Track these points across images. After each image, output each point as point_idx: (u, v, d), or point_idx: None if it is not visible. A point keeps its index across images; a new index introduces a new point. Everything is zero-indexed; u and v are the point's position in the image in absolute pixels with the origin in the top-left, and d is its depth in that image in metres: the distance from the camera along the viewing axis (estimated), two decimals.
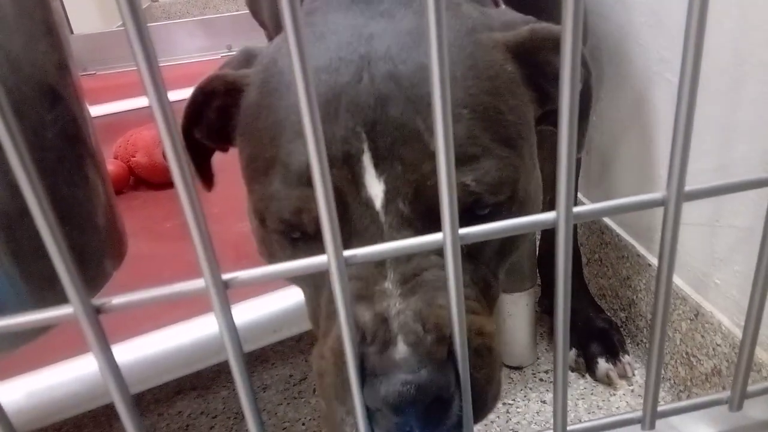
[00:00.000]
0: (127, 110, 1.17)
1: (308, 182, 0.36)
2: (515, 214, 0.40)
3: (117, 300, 0.27)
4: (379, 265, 0.37)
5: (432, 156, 0.35)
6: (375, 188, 0.37)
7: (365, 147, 0.36)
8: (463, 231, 0.29)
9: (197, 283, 0.28)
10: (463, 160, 0.37)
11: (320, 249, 0.29)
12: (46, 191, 0.30)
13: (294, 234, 0.39)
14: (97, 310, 0.27)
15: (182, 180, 0.25)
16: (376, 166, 0.37)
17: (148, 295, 0.28)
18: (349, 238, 0.38)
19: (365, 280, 0.36)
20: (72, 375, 0.49)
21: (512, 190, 0.39)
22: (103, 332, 0.27)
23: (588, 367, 0.71)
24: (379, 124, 0.36)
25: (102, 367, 0.28)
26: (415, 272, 0.37)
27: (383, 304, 0.35)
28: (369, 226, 0.37)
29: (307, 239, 0.39)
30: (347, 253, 0.29)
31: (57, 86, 0.32)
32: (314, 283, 0.41)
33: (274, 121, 0.39)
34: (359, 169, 0.36)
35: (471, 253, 0.41)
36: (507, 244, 0.43)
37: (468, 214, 0.39)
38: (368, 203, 0.37)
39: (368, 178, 0.37)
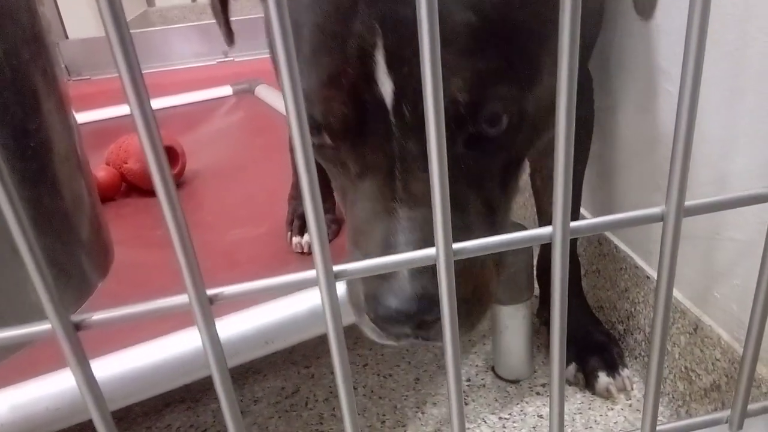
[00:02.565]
0: (120, 116, 1.16)
1: (329, 82, 0.36)
2: (523, 134, 0.39)
3: (97, 316, 0.26)
4: (390, 180, 0.38)
5: None
6: (386, 86, 0.37)
7: (379, 42, 0.36)
8: (457, 246, 0.28)
9: (181, 299, 0.27)
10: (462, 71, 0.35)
11: (343, 155, 0.36)
12: (27, 202, 0.29)
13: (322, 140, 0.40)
14: (76, 327, 0.26)
15: (166, 194, 0.24)
16: (388, 63, 0.36)
17: (130, 311, 0.27)
18: (364, 136, 0.38)
19: (376, 199, 0.39)
20: (57, 388, 0.48)
21: (518, 109, 0.38)
22: (82, 349, 0.26)
23: (587, 382, 0.70)
24: (394, 21, 0.36)
25: (80, 384, 0.27)
26: (426, 197, 0.36)
27: (391, 227, 0.38)
28: (381, 126, 0.38)
29: (333, 148, 0.40)
30: (337, 268, 0.28)
31: (41, 94, 0.32)
32: (341, 188, 0.43)
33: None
34: (372, 65, 0.36)
35: (474, 179, 0.40)
36: (514, 159, 0.41)
37: (469, 137, 0.38)
38: (381, 101, 0.37)
39: (380, 74, 0.36)
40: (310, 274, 0.28)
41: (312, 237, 0.26)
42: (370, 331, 0.41)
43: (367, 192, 0.39)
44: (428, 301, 0.37)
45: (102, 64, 1.48)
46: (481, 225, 0.41)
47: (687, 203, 0.29)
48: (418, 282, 0.37)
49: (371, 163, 0.39)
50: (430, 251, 0.28)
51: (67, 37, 1.59)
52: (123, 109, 1.18)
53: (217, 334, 0.27)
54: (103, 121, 1.17)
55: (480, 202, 0.40)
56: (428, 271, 0.37)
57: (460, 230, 0.38)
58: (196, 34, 1.55)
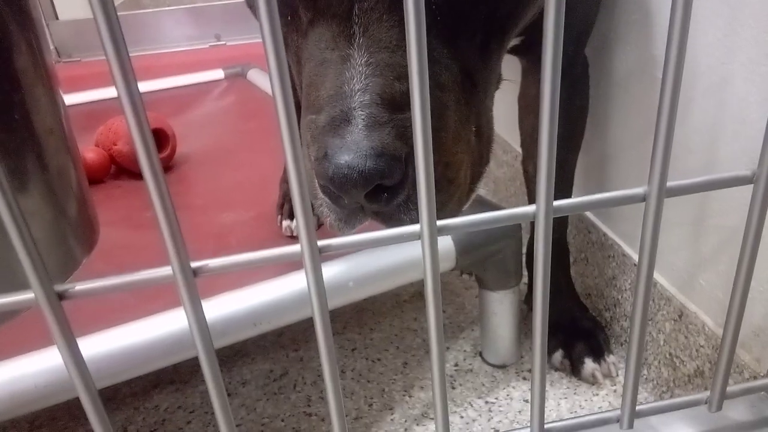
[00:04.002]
0: (110, 98, 1.15)
1: None
2: None
3: (81, 286, 0.27)
4: (347, 25, 0.33)
5: None
6: None
7: None
8: (441, 223, 0.28)
9: (165, 270, 0.27)
10: None
11: None
12: (11, 174, 0.29)
13: None
14: (60, 296, 0.26)
15: (149, 167, 0.24)
16: None
17: (114, 281, 0.27)
18: None
19: (329, 47, 0.33)
20: (43, 366, 0.48)
21: None
22: (66, 318, 0.26)
23: (573, 367, 0.71)
24: None
25: (63, 353, 0.27)
26: (389, 41, 0.33)
27: (347, 74, 0.33)
28: None
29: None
30: (321, 243, 0.28)
31: (26, 66, 0.31)
32: (293, 49, 0.38)
33: None
34: None
35: (453, 28, 0.34)
36: (501, 16, 0.36)
37: None
38: None
39: None
40: (295, 248, 0.28)
41: (296, 211, 0.26)
42: (326, 213, 0.35)
43: (319, 40, 0.34)
44: (388, 160, 0.32)
45: (92, 46, 1.47)
46: (455, 88, 0.35)
47: (669, 184, 0.30)
48: (376, 135, 0.31)
49: (324, 6, 0.33)
50: (414, 228, 0.28)
51: (57, 18, 1.57)
52: (113, 91, 1.17)
53: (201, 306, 0.27)
54: (94, 103, 1.16)
55: (456, 65, 0.35)
56: (389, 124, 0.32)
57: (433, 88, 0.32)
58: (188, 17, 1.54)
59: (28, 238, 0.24)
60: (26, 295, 0.26)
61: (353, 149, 0.31)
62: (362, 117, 0.32)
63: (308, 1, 0.35)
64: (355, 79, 0.32)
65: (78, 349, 0.27)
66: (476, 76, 0.37)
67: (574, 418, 0.36)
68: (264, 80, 1.25)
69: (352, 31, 0.33)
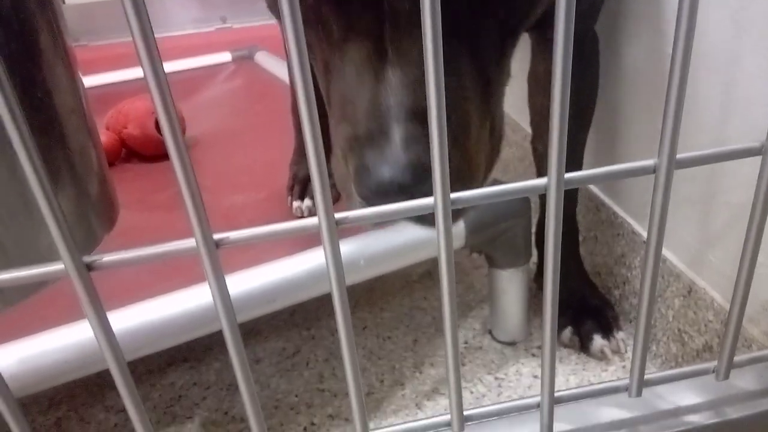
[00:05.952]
0: (118, 82, 1.16)
1: None
2: None
3: (108, 257, 0.28)
4: (379, 43, 0.36)
5: None
6: None
7: None
8: (455, 196, 0.29)
9: (188, 243, 0.28)
10: None
11: (325, 10, 0.34)
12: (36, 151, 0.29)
13: None
14: (88, 267, 0.27)
15: (174, 142, 0.25)
16: None
17: (140, 253, 0.28)
18: None
19: (364, 57, 0.36)
20: (65, 341, 0.49)
21: None
22: (94, 288, 0.27)
23: (582, 345, 0.72)
24: None
25: (93, 323, 0.28)
26: (419, 58, 0.34)
27: (381, 90, 0.36)
28: None
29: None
30: (339, 215, 0.29)
31: (46, 46, 0.32)
32: (323, 62, 0.40)
33: None
34: None
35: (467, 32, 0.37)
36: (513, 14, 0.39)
37: None
38: None
39: None
40: (312, 220, 0.29)
41: (314, 183, 0.27)
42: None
43: (353, 57, 0.37)
44: (422, 170, 0.35)
45: (100, 30, 1.47)
46: (475, 91, 0.38)
47: (679, 156, 0.30)
48: (412, 150, 0.35)
49: (357, 24, 0.36)
50: (428, 200, 0.29)
51: (64, 2, 1.57)
52: (121, 75, 1.18)
53: (223, 276, 0.28)
54: (101, 87, 1.16)
55: (474, 66, 0.38)
56: (421, 139, 0.35)
57: (455, 91, 0.36)
58: (194, 0, 1.54)
59: (57, 211, 0.25)
60: (56, 266, 0.27)
61: (391, 163, 0.35)
62: (398, 132, 0.35)
63: (341, 15, 0.37)
64: (391, 96, 0.35)
65: (107, 319, 0.28)
66: (491, 73, 0.40)
67: (583, 387, 0.37)
68: (271, 63, 1.25)
69: (384, 48, 0.36)
